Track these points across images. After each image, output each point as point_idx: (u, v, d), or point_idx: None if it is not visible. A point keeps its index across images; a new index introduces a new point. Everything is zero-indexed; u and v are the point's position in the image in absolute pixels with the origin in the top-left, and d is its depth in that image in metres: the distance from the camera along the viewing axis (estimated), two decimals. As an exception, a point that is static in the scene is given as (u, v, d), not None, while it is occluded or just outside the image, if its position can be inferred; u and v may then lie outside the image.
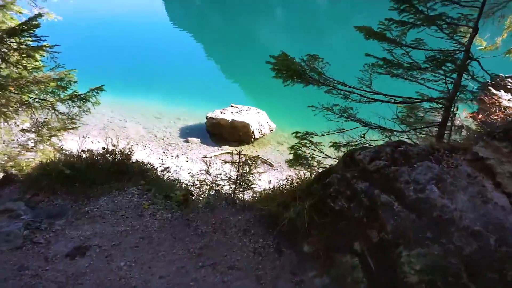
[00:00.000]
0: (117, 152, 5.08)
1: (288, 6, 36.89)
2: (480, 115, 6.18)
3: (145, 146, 11.89)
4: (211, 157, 11.63)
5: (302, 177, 3.57)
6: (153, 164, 5.86)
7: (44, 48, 5.97)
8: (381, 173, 2.59)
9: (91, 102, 6.52)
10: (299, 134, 4.39)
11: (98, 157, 4.96)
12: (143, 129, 12.88)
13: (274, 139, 12.64)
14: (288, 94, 15.99)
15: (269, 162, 11.45)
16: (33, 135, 6.24)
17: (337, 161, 3.57)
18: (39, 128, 6.26)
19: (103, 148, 5.16)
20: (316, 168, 4.10)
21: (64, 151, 6.38)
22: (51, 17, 6.88)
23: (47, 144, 6.44)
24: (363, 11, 36.65)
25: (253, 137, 12.19)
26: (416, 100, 3.77)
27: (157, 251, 3.21)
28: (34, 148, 6.13)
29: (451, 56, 3.33)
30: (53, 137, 6.60)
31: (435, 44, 3.55)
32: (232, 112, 12.66)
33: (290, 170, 11.59)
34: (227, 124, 12.20)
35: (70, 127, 6.58)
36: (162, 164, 11.01)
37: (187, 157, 11.56)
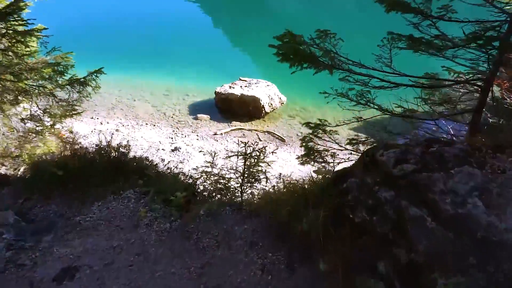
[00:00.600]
0: (113, 149, 4.67)
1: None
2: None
3: (154, 125, 11.61)
4: (221, 134, 11.29)
5: (315, 179, 3.15)
6: (152, 160, 5.39)
7: (34, 33, 5.57)
8: (409, 180, 2.16)
9: (91, 86, 6.13)
10: (310, 125, 3.89)
11: (93, 155, 4.53)
12: (152, 107, 12.55)
13: (285, 112, 12.15)
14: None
15: (281, 137, 11.06)
16: (33, 125, 5.94)
17: (355, 155, 3.14)
18: (40, 116, 5.98)
19: (97, 145, 4.76)
20: (331, 163, 3.64)
21: (67, 140, 6.14)
22: (38, -5, 6.35)
23: (49, 134, 6.15)
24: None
25: (263, 111, 11.73)
26: (449, 83, 3.21)
27: (154, 271, 2.88)
28: (36, 138, 5.87)
29: (494, 29, 2.74)
30: (56, 125, 6.33)
31: (466, 14, 2.96)
32: (241, 86, 12.14)
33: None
34: (236, 99, 11.74)
35: (72, 113, 6.25)
36: (172, 144, 10.81)
37: (197, 135, 11.25)
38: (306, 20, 21.27)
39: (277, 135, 11.12)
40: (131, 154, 5.16)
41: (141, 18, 20.74)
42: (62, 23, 18.82)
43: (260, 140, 10.96)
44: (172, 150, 10.15)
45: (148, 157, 6.27)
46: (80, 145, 6.22)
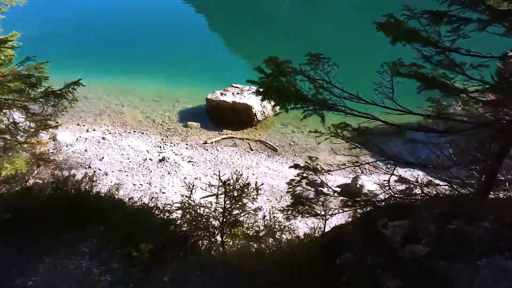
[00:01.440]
0: (72, 187, 4.06)
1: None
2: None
3: (142, 133, 11.13)
4: (212, 142, 10.84)
5: (301, 244, 2.69)
6: (120, 196, 4.74)
7: (7, 41, 5.10)
8: (421, 267, 1.72)
9: (67, 99, 5.65)
10: (299, 168, 3.42)
11: (51, 191, 3.87)
12: (141, 114, 12.06)
13: (278, 120, 11.72)
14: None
15: (273, 146, 10.63)
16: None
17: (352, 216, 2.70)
18: (11, 132, 5.47)
19: (54, 183, 4.11)
20: (323, 216, 3.17)
21: (43, 156, 5.66)
22: (12, 3, 5.86)
23: (18, 152, 5.65)
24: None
25: (255, 119, 11.30)
26: (468, 126, 2.71)
27: None
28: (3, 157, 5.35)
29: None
30: (29, 140, 5.84)
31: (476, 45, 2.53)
32: (233, 93, 11.70)
33: (295, 155, 10.83)
34: (227, 106, 11.30)
35: (45, 128, 5.75)
36: (160, 153, 10.34)
37: (186, 144, 10.79)
38: (301, 25, 20.90)
39: (269, 145, 10.70)
40: (108, 179, 4.67)
41: (132, 20, 20.20)
42: (48, 26, 18.26)
43: (252, 150, 10.52)
44: (160, 160, 9.68)
45: (120, 184, 5.72)
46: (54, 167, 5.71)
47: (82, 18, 19.89)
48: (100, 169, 9.17)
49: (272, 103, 2.83)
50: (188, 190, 3.64)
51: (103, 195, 4.42)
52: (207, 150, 10.55)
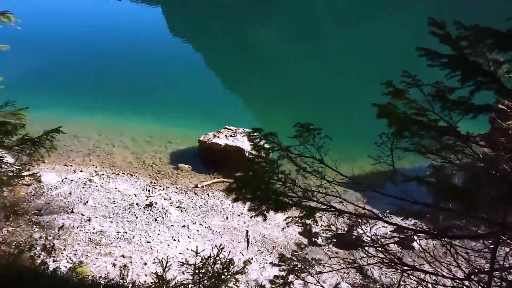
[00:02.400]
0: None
1: (287, 14, 35.71)
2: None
3: (131, 175, 10.70)
4: (202, 186, 10.39)
5: None
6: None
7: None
8: None
9: (45, 148, 5.28)
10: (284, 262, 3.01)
11: None
12: (132, 154, 11.69)
13: (271, 164, 11.32)
14: (286, 110, 14.79)
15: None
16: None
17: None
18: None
19: None
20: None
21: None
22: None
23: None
24: (363, 17, 35.39)
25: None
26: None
27: None
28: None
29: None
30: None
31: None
32: (226, 135, 11.43)
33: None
34: (220, 149, 10.98)
35: (18, 179, 5.34)
36: (148, 197, 9.84)
37: (176, 187, 10.36)
38: (295, 65, 21.16)
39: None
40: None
41: (126, 57, 20.31)
42: (38, 61, 18.27)
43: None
44: (147, 206, 9.20)
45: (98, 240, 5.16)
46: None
47: (75, 54, 19.97)
48: (83, 214, 8.67)
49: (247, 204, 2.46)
50: (161, 267, 3.18)
51: (60, 273, 3.91)
52: (197, 194, 10.10)
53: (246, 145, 10.95)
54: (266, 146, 3.08)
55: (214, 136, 11.43)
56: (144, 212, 8.92)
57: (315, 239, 8.67)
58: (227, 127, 11.93)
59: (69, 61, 19.06)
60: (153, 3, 36.42)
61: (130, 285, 3.87)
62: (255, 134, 2.63)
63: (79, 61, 19.13)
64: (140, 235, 8.11)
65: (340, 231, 8.38)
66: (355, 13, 38.17)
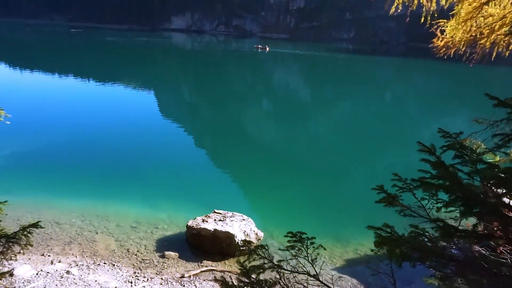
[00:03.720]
0: None
1: (275, 98, 38.00)
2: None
3: (113, 265, 10.11)
4: (189, 276, 9.84)
5: None
6: None
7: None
8: None
9: (20, 245, 5.03)
10: None
11: None
12: (115, 242, 11.22)
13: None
14: (277, 190, 14.86)
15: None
16: None
17: None
18: None
19: None
20: None
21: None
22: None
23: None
24: (345, 98, 37.91)
25: (238, 249, 10.56)
26: None
27: None
28: None
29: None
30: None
31: None
32: (215, 220, 11.22)
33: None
34: (209, 235, 10.68)
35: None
36: (130, 293, 9.19)
37: (161, 278, 9.76)
38: (283, 144, 21.85)
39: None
40: None
41: (112, 136, 20.69)
42: (17, 143, 18.47)
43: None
44: (128, 303, 8.54)
45: None
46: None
47: (60, 136, 20.30)
48: (57, 314, 7.97)
49: None
50: None
51: None
52: (183, 286, 9.50)
53: (235, 229, 10.72)
54: (256, 263, 3.01)
55: (203, 220, 11.20)
56: (125, 309, 8.26)
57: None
58: (216, 210, 11.78)
59: (55, 143, 19.32)
60: (147, 88, 38.51)
61: None
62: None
63: (65, 143, 19.41)
64: (119, 337, 7.40)
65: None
66: (341, 93, 40.83)
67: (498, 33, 5.25)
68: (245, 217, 11.51)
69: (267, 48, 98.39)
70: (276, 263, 2.50)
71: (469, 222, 2.57)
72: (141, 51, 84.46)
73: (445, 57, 7.24)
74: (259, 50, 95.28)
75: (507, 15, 4.98)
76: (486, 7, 5.59)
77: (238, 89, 42.11)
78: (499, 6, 5.36)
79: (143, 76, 46.87)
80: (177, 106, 32.76)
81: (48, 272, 9.44)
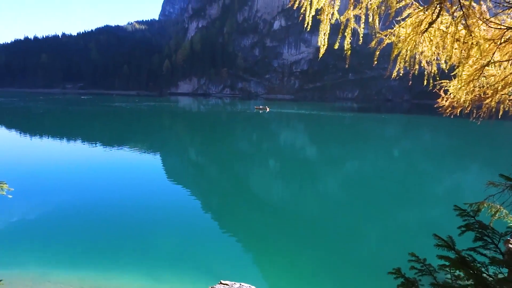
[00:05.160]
0: None
1: (281, 157, 38.25)
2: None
3: None
4: None
5: None
6: None
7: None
8: None
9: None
10: None
11: None
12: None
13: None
14: (289, 260, 14.24)
15: None
16: None
17: None
18: None
19: None
20: None
21: None
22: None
23: None
24: (353, 156, 38.01)
25: (247, 325, 9.86)
26: None
27: None
28: None
29: None
30: None
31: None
32: (221, 292, 10.61)
33: None
34: (215, 310, 10.02)
35: None
36: None
37: None
38: (292, 205, 21.46)
39: None
40: None
41: (114, 200, 20.53)
42: (16, 213, 18.38)
43: None
44: None
45: None
46: None
47: (61, 204, 20.21)
48: None
49: None
50: None
51: None
52: None
53: (244, 303, 10.10)
54: None
55: (209, 293, 10.61)
56: None
57: None
58: (223, 281, 11.21)
59: (57, 211, 19.20)
60: (152, 151, 39.23)
61: None
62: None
63: (66, 211, 19.28)
64: None
65: None
66: (342, 155, 41.06)
67: (502, 93, 5.40)
68: (253, 287, 10.91)
69: (267, 109, 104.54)
70: None
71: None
72: (147, 115, 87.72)
73: (452, 116, 7.38)
74: (260, 111, 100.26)
75: (508, 76, 5.17)
76: (487, 68, 5.82)
77: (244, 150, 42.78)
78: (499, 67, 5.59)
79: (149, 138, 48.12)
80: (182, 168, 33.04)
81: None
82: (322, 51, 5.59)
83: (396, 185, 27.36)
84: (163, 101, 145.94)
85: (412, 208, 21.86)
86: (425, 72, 6.63)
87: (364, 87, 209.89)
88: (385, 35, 6.12)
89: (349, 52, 5.65)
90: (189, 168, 33.51)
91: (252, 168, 32.99)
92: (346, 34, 5.41)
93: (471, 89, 5.66)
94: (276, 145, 47.34)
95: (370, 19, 5.28)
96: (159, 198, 22.34)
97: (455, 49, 5.30)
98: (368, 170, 32.23)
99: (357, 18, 5.63)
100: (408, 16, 5.25)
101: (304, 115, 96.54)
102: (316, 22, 5.32)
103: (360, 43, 6.47)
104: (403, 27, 5.62)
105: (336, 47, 5.53)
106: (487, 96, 5.86)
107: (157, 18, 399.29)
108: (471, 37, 4.54)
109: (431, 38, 5.59)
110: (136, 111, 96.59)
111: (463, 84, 5.43)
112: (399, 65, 6.28)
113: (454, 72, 6.54)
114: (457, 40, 4.99)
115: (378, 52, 6.74)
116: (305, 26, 5.22)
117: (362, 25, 6.11)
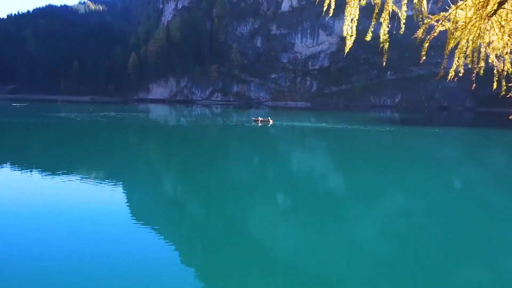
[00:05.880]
0: None
1: (293, 191, 38.13)
2: None
3: None
4: None
5: None
6: None
7: None
8: None
9: None
10: None
11: None
12: None
13: None
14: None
15: None
16: None
17: None
18: None
19: None
20: None
21: None
22: None
23: None
24: (396, 188, 37.87)
25: None
26: None
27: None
28: None
29: None
30: None
31: None
32: None
33: None
34: None
35: None
36: None
37: None
38: (303, 257, 21.21)
39: None
40: None
41: (59, 251, 20.39)
42: None
43: None
44: None
45: None
46: None
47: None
48: None
49: None
50: None
51: None
52: None
53: None
54: None
55: None
56: None
57: None
58: None
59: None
60: (112, 182, 39.23)
61: None
62: None
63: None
64: None
65: None
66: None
67: None
68: None
69: (270, 121, 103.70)
70: None
71: None
72: (106, 131, 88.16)
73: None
74: (260, 124, 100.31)
75: None
76: None
77: (241, 180, 42.58)
78: None
79: (108, 165, 48.20)
80: (155, 206, 32.85)
81: None
82: (349, 42, 5.59)
83: (460, 227, 27.07)
84: (128, 111, 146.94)
85: (485, 259, 21.56)
86: (495, 71, 6.61)
87: (409, 91, 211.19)
88: (437, 20, 6.15)
89: (387, 44, 5.68)
90: (164, 205, 33.33)
91: (252, 206, 32.77)
92: (382, 19, 5.44)
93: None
94: (286, 172, 47.20)
95: (416, -1, 5.34)
96: (121, 247, 22.14)
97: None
98: (416, 208, 31.97)
99: (398, -3, 5.69)
100: (469, -7, 5.27)
101: (325, 130, 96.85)
102: (341, 1, 5.37)
103: (401, 32, 6.50)
104: (461, 9, 5.63)
105: (368, 37, 5.58)
106: None
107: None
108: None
109: (502, 23, 5.57)
110: (90, 125, 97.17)
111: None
112: (458, 61, 6.29)
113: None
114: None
115: (427, 44, 6.78)
116: (324, 7, 5.24)
117: (404, 7, 6.14)
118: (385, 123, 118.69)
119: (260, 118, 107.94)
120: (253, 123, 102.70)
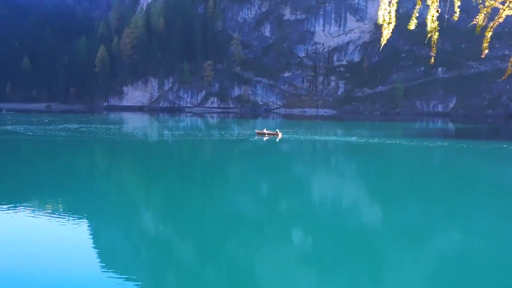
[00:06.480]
0: None
1: (314, 227, 38.10)
2: None
3: None
4: None
5: None
6: None
7: None
8: None
9: None
10: None
11: None
12: None
13: None
14: None
15: None
16: None
17: None
18: None
19: None
20: None
21: None
22: None
23: None
24: (450, 223, 37.78)
25: None
26: None
27: None
28: None
29: None
30: None
31: None
32: None
33: None
34: None
35: None
36: None
37: None
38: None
39: None
40: None
41: None
42: None
43: None
44: None
45: None
46: None
47: None
48: None
49: None
50: None
51: None
52: None
53: None
54: None
55: None
56: None
57: None
58: None
59: None
60: (77, 217, 39.39)
61: None
62: None
63: None
64: None
65: None
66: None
67: None
68: None
69: (279, 134, 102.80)
70: None
71: None
72: (67, 149, 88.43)
73: None
74: (265, 138, 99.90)
75: None
76: None
77: (245, 214, 42.46)
78: None
79: (67, 195, 48.24)
80: (132, 249, 32.92)
81: None
82: (387, 32, 5.58)
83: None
84: (95, 122, 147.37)
85: None
86: None
87: (467, 93, 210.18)
88: (503, 2, 6.12)
89: (436, 34, 5.65)
90: (145, 247, 33.34)
91: (260, 247, 32.67)
92: (430, 1, 5.43)
93: None
94: (304, 202, 46.99)
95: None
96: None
97: None
98: (482, 255, 31.72)
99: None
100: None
101: (356, 145, 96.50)
102: (374, -21, 5.34)
103: (456, 17, 6.46)
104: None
105: (412, 25, 5.58)
106: None
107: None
108: None
109: None
110: (44, 142, 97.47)
111: None
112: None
113: None
114: None
115: (490, 33, 6.73)
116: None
117: (460, -15, 6.11)
118: (435, 136, 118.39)
119: (266, 131, 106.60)
120: (256, 137, 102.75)
